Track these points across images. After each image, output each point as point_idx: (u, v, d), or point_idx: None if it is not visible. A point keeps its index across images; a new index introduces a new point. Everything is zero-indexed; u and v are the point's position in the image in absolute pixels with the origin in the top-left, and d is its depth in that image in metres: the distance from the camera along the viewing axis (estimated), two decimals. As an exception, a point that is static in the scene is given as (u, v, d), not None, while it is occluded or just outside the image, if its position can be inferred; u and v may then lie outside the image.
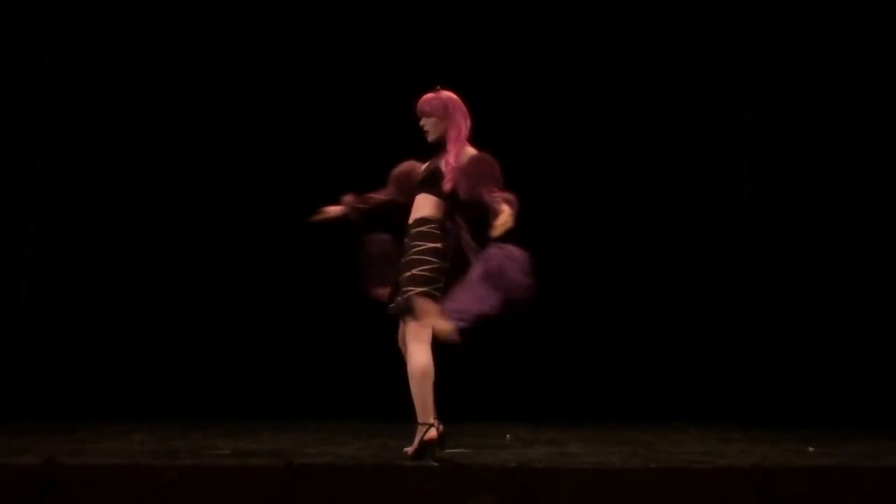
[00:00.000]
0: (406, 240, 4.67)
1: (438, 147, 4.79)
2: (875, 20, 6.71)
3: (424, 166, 4.84)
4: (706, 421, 6.52)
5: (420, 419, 4.50)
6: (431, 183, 4.69)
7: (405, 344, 4.59)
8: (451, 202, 4.63)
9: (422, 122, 4.79)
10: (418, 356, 4.48)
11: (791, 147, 6.76)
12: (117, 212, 6.82)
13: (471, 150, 4.71)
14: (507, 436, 5.64)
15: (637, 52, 7.07)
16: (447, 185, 4.63)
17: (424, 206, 4.68)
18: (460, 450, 4.77)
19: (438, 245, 4.57)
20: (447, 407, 4.75)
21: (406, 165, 4.94)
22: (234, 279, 6.87)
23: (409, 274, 4.53)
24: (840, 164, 6.70)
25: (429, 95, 4.79)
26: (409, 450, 4.55)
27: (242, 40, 6.96)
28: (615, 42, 7.08)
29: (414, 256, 4.56)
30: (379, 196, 4.94)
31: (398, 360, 4.68)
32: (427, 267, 4.52)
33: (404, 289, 4.52)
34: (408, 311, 4.51)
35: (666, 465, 4.28)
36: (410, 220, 4.69)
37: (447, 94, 4.79)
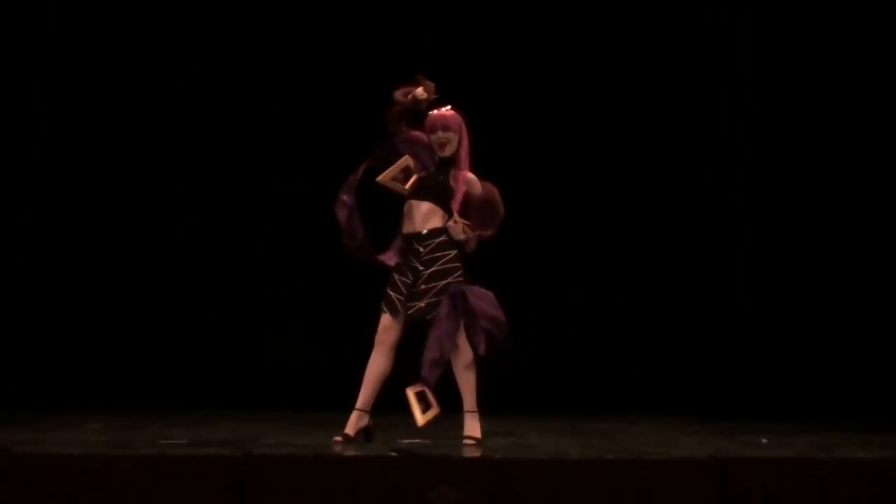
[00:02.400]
0: (418, 247, 4.83)
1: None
2: (874, 20, 6.79)
3: (426, 173, 4.92)
4: (663, 412, 6.59)
5: (474, 407, 4.84)
6: (442, 197, 4.89)
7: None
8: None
9: (440, 135, 4.91)
10: (466, 350, 4.79)
11: (789, 146, 6.87)
12: (88, 205, 6.88)
13: (475, 178, 4.94)
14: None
15: (636, 53, 7.15)
16: (455, 206, 4.87)
17: (434, 216, 4.89)
18: (419, 441, 4.80)
19: (458, 251, 4.88)
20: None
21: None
22: (188, 268, 6.92)
23: (444, 283, 4.79)
24: (837, 164, 6.80)
25: (449, 111, 4.95)
26: (475, 436, 4.79)
27: (243, 40, 7.03)
28: (615, 43, 7.15)
29: (443, 267, 4.81)
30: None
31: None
32: (459, 273, 4.84)
33: (432, 299, 4.77)
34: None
35: (622, 457, 4.33)
36: (422, 230, 4.86)
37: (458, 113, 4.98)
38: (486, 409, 6.43)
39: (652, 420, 6.23)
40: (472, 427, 4.85)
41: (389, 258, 4.94)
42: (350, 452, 4.46)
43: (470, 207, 4.91)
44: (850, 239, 6.82)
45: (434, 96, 4.86)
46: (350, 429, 4.84)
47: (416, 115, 4.92)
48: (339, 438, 4.80)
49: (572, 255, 7.09)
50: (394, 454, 4.27)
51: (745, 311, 6.82)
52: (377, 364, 4.85)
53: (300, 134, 7.01)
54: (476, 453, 4.49)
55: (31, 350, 6.72)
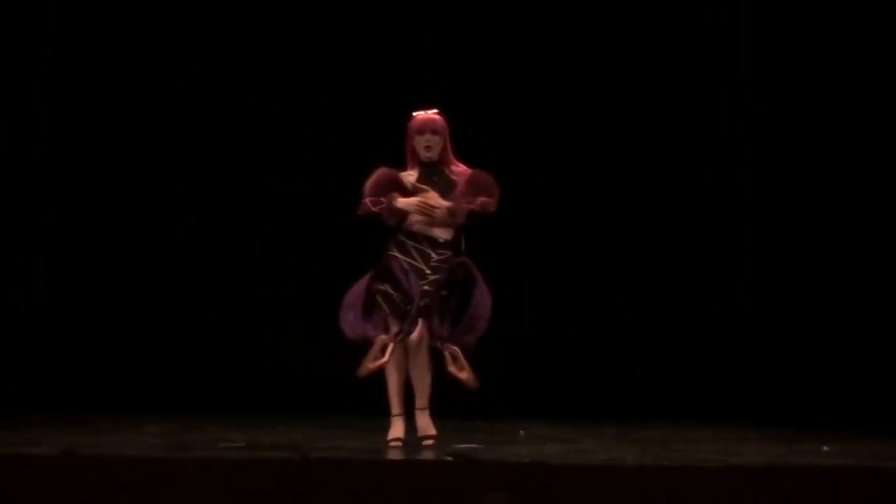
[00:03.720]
0: (430, 251, 4.88)
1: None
2: (874, 20, 6.73)
3: (429, 179, 4.97)
4: (721, 420, 6.55)
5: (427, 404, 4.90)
6: (449, 198, 4.92)
7: (413, 345, 4.81)
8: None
9: (428, 139, 4.96)
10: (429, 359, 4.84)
11: (790, 147, 6.83)
12: (132, 207, 6.96)
13: (461, 166, 5.01)
14: (521, 432, 5.69)
15: (636, 53, 7.13)
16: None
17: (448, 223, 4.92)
18: (473, 445, 4.83)
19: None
20: (461, 403, 4.85)
21: (388, 173, 5.04)
22: (247, 274, 6.99)
23: (436, 294, 4.80)
24: (839, 165, 6.76)
25: (435, 115, 5.02)
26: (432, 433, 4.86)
27: (243, 40, 7.05)
28: (614, 42, 7.14)
29: (443, 278, 4.83)
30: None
31: None
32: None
33: (431, 301, 4.78)
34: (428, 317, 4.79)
35: (679, 463, 4.30)
36: (438, 237, 4.91)
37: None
38: (541, 414, 6.50)
39: (710, 428, 6.19)
40: (428, 424, 4.90)
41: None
42: (405, 456, 4.49)
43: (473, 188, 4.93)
44: (871, 236, 6.75)
45: None
46: (400, 433, 4.88)
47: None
48: (398, 443, 4.84)
49: (636, 264, 7.09)
50: (449, 458, 4.30)
51: (810, 318, 6.78)
52: (394, 365, 4.87)
53: (300, 134, 7.04)
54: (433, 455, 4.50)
55: (87, 354, 6.82)
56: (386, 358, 4.75)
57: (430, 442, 4.87)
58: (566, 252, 7.00)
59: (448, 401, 5.14)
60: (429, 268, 4.88)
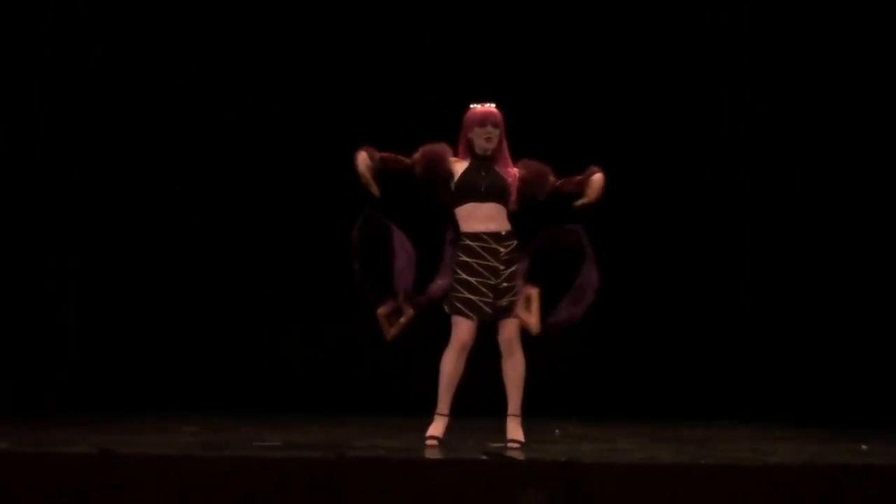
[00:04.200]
0: (497, 247, 4.88)
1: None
2: (874, 20, 6.72)
3: (477, 173, 4.95)
4: (757, 419, 6.55)
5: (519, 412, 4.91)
6: (503, 196, 4.94)
7: (509, 343, 4.87)
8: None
9: (489, 132, 4.95)
10: (521, 354, 4.91)
11: (790, 147, 6.85)
12: (165, 214, 7.01)
13: (513, 168, 5.04)
14: (556, 431, 5.71)
15: (636, 53, 7.15)
16: (513, 205, 4.96)
17: (503, 217, 4.95)
18: (510, 444, 4.85)
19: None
20: (496, 403, 4.90)
21: (443, 149, 5.04)
22: (283, 274, 7.02)
23: (517, 285, 4.88)
24: (840, 164, 6.77)
25: (494, 108, 5.01)
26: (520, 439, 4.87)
27: (247, 39, 7.07)
28: (615, 42, 7.15)
29: (517, 268, 4.90)
30: (404, 161, 5.01)
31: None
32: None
33: (514, 297, 4.86)
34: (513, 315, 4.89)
35: (716, 462, 4.30)
36: (501, 231, 4.91)
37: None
38: (577, 413, 6.50)
39: (747, 426, 6.19)
40: (516, 430, 4.90)
41: (439, 287, 4.94)
42: (441, 455, 4.50)
43: (535, 176, 4.99)
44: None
45: None
46: (439, 432, 4.90)
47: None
48: (434, 442, 4.86)
49: (672, 264, 7.10)
50: (485, 457, 4.31)
51: (846, 318, 6.76)
52: (456, 367, 4.88)
53: (301, 134, 7.06)
54: (521, 456, 4.49)
55: (123, 354, 6.87)
56: (403, 319, 4.85)
57: (515, 446, 4.84)
58: (616, 252, 6.92)
59: (483, 400, 5.15)
60: (501, 263, 4.90)
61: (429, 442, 4.86)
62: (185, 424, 5.61)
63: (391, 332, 4.90)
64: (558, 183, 5.00)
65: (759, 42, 6.98)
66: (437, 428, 4.90)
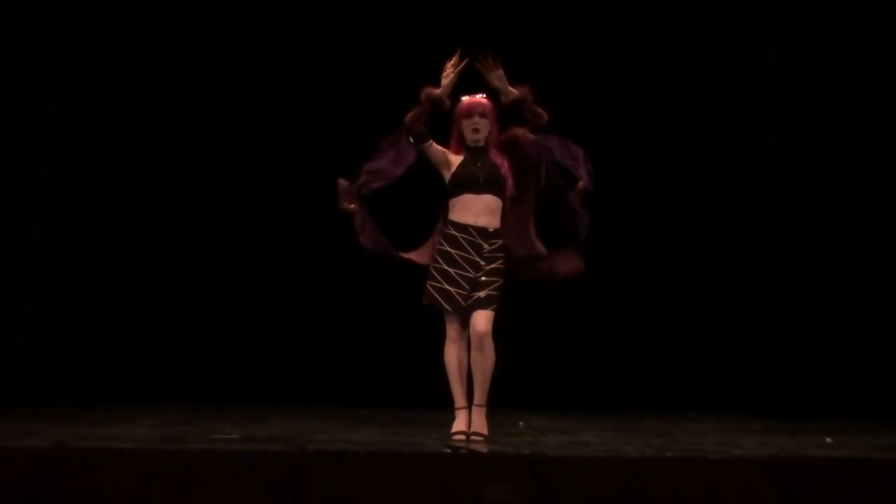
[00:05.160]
0: (481, 242, 4.92)
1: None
2: None
3: (473, 164, 4.99)
4: (723, 411, 6.58)
5: (485, 401, 4.92)
6: (499, 187, 4.97)
7: (482, 337, 4.87)
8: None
9: (476, 122, 4.99)
10: (491, 347, 4.91)
11: (814, 144, 6.86)
12: (125, 199, 6.96)
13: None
14: (521, 423, 5.73)
15: (655, 47, 7.14)
16: (510, 192, 4.99)
17: (497, 212, 4.98)
18: (473, 437, 4.86)
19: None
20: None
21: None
22: (241, 265, 6.98)
23: (498, 281, 4.92)
24: (864, 161, 6.80)
25: (485, 99, 5.03)
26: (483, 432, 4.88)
27: (249, 36, 7.05)
28: (631, 36, 7.15)
29: (501, 266, 4.95)
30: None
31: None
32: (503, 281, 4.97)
33: (492, 291, 4.88)
34: (492, 308, 4.89)
35: (681, 455, 4.35)
36: (489, 227, 4.94)
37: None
38: (541, 406, 6.52)
39: (712, 418, 6.23)
40: (480, 423, 4.91)
41: (421, 255, 5.03)
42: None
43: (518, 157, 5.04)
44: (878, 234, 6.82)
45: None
46: (463, 426, 4.91)
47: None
48: (461, 437, 4.85)
49: (632, 253, 7.09)
50: (448, 451, 4.31)
51: (811, 308, 6.82)
52: (457, 359, 4.93)
53: (300, 128, 7.04)
54: (484, 449, 4.51)
55: (78, 345, 6.82)
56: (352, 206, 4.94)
57: (479, 439, 4.84)
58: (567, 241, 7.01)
59: (448, 392, 5.18)
60: (483, 259, 4.92)
61: (456, 437, 4.85)
62: (142, 417, 5.56)
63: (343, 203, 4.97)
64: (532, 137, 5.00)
65: (784, 34, 6.95)
66: (459, 423, 4.92)
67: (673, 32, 7.16)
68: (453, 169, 5.01)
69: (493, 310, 4.88)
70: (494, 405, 4.97)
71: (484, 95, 5.04)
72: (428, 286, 4.94)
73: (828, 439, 5.10)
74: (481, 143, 5.00)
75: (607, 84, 7.12)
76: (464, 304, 4.88)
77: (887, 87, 6.83)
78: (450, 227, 4.97)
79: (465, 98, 5.04)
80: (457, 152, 5.06)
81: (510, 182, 4.99)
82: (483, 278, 4.89)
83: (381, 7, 7.08)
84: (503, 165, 5.00)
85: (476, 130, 4.99)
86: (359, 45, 7.05)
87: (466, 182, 4.97)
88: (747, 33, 7.10)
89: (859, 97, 6.83)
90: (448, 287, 4.89)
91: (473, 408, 4.93)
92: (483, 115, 4.99)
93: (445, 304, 4.90)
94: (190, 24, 7.02)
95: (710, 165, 7.10)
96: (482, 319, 4.87)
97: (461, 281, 4.89)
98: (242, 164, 7.01)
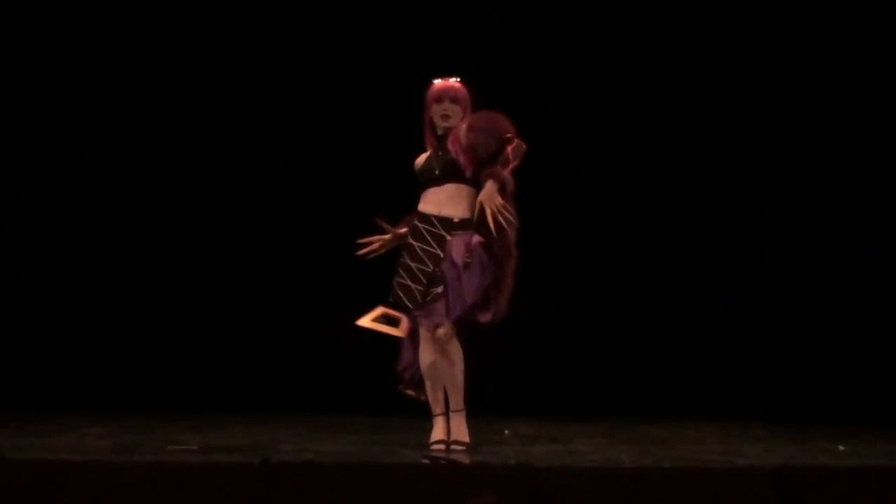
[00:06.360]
0: (443, 233, 4.79)
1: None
2: None
3: (435, 155, 4.90)
4: (725, 417, 6.59)
5: (460, 406, 4.82)
6: (458, 171, 4.80)
7: (439, 339, 4.75)
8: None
9: (446, 108, 4.84)
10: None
11: (814, 145, 6.93)
12: (82, 201, 7.08)
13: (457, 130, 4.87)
14: (506, 431, 5.69)
15: (655, 46, 7.26)
16: (468, 173, 4.79)
17: (462, 202, 4.82)
18: (454, 447, 4.80)
19: None
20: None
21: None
22: (202, 268, 7.06)
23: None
24: (864, 162, 6.86)
25: (458, 83, 4.89)
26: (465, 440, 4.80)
27: (245, 37, 7.17)
28: (630, 34, 7.26)
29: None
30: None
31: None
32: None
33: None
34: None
35: (681, 465, 4.30)
36: (453, 217, 4.80)
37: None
38: (529, 412, 6.50)
39: (713, 425, 6.22)
40: (461, 430, 4.80)
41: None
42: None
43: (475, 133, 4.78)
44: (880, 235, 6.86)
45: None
46: (441, 434, 4.84)
47: None
48: (440, 446, 4.78)
49: (627, 255, 7.18)
50: (426, 461, 4.24)
51: (819, 310, 6.85)
52: (426, 365, 4.82)
53: (299, 129, 7.13)
54: (466, 459, 4.43)
55: (24, 349, 6.85)
56: (390, 330, 4.84)
57: (460, 448, 4.75)
58: (559, 242, 7.07)
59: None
60: (443, 251, 4.76)
61: (434, 447, 4.76)
62: (93, 425, 5.54)
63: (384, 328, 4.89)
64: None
65: (785, 36, 7.05)
66: (437, 431, 4.82)
67: (673, 32, 7.26)
68: (420, 164, 4.94)
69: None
70: (477, 411, 4.95)
71: (457, 79, 4.91)
72: (393, 282, 4.85)
73: (840, 447, 5.06)
74: (449, 128, 4.86)
75: (607, 84, 7.21)
76: (421, 300, 4.73)
77: (887, 88, 6.87)
78: (416, 218, 4.87)
79: (437, 81, 4.91)
80: (430, 143, 4.94)
81: (464, 160, 4.78)
82: (439, 273, 4.73)
83: (381, 7, 7.15)
84: (454, 149, 4.81)
85: (446, 117, 4.84)
86: (359, 45, 7.13)
87: (426, 176, 4.87)
88: (747, 33, 7.21)
89: (859, 97, 6.88)
90: (409, 283, 4.77)
91: (451, 414, 4.81)
92: (454, 101, 4.84)
93: (407, 302, 4.78)
94: (187, 22, 7.12)
95: (710, 166, 7.19)
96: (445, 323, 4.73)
97: (419, 276, 4.76)
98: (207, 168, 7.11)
